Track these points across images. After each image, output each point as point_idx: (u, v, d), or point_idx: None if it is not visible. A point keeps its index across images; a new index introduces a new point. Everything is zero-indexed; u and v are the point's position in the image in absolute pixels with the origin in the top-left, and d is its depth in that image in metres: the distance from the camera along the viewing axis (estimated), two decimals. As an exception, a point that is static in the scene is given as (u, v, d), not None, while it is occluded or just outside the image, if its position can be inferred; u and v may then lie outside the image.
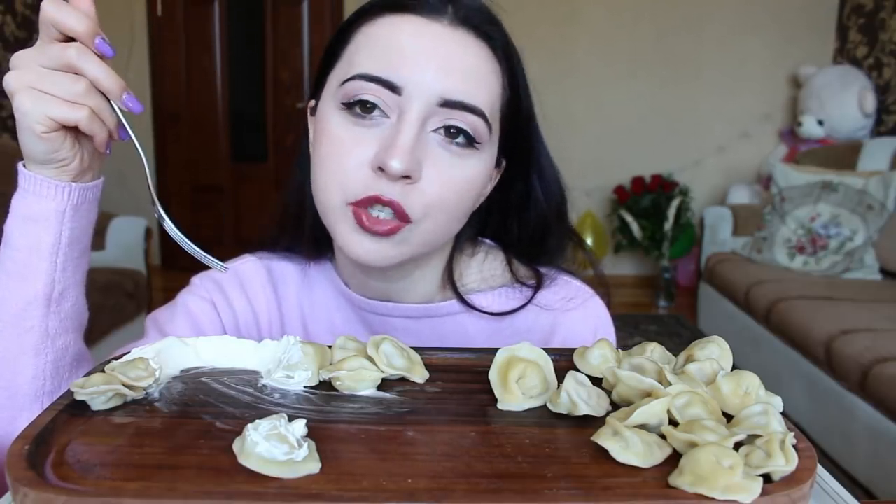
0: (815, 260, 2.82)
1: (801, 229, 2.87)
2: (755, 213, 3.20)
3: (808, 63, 3.85)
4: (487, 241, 0.74)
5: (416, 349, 0.55)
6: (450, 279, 0.71)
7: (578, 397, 0.46)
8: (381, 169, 0.56)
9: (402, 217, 0.58)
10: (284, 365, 0.51)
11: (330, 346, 0.54)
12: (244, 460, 0.38)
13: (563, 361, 0.55)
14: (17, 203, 0.58)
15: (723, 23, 4.01)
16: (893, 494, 1.76)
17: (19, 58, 0.53)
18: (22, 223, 0.58)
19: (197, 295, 0.72)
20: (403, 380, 0.52)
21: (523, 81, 0.65)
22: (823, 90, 3.59)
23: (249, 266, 0.75)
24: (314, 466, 0.38)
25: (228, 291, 0.73)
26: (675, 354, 0.54)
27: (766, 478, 0.37)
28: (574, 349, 0.55)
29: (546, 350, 0.51)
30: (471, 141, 0.59)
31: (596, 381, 0.51)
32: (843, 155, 3.21)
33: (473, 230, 0.72)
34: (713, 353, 0.51)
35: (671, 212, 3.77)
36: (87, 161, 0.59)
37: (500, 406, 0.48)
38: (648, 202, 3.87)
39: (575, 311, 0.71)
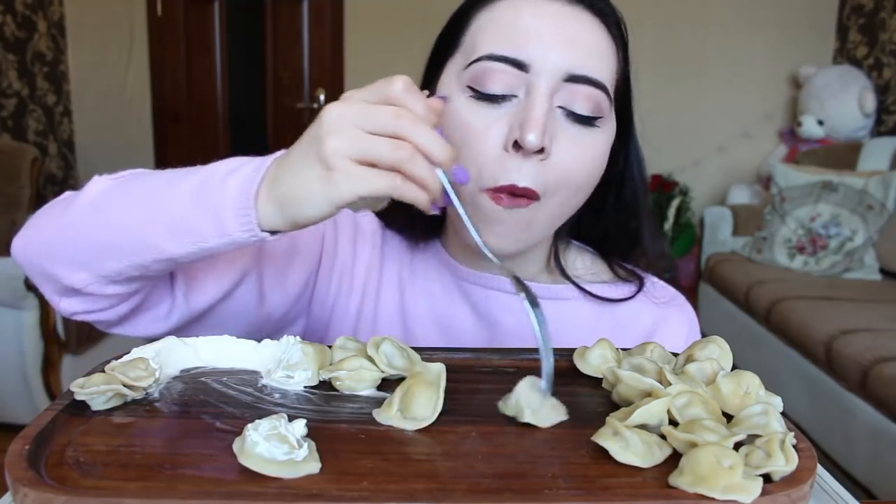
0: (815, 260, 2.82)
1: (801, 229, 2.87)
2: (755, 213, 3.19)
3: (809, 63, 3.84)
4: (574, 241, 0.75)
5: (416, 349, 0.55)
6: (557, 265, 0.72)
7: (527, 404, 0.45)
8: (515, 145, 0.57)
9: (532, 197, 0.59)
10: (284, 365, 0.51)
11: (330, 346, 0.54)
12: (244, 460, 0.38)
13: (564, 361, 0.55)
14: (213, 193, 0.51)
15: (723, 23, 4.00)
16: (893, 494, 1.75)
17: (341, 127, 0.45)
18: (203, 207, 0.51)
19: None
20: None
21: (628, 57, 0.66)
22: (823, 90, 3.59)
23: (368, 220, 0.75)
24: (314, 466, 0.38)
25: (341, 235, 0.73)
26: (675, 354, 0.54)
27: (766, 478, 0.37)
28: (574, 349, 0.55)
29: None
30: (596, 115, 0.60)
31: (596, 381, 0.51)
32: (843, 155, 3.21)
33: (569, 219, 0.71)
34: (713, 353, 0.51)
35: (671, 212, 3.77)
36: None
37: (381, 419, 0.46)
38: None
39: (678, 310, 0.73)
